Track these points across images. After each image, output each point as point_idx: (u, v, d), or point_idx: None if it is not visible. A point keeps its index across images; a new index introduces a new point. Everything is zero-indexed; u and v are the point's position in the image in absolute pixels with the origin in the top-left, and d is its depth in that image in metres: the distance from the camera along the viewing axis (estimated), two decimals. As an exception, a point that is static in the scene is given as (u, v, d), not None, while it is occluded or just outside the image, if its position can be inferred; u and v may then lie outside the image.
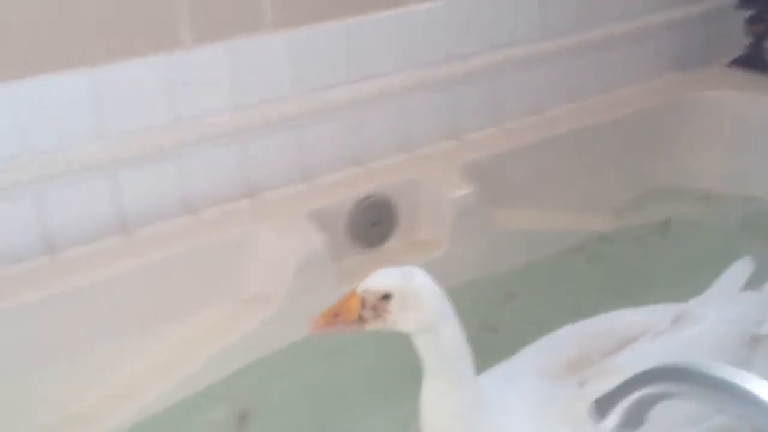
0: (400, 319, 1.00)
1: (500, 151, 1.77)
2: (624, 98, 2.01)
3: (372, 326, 1.00)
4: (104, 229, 1.44)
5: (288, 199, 1.56)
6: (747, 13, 2.11)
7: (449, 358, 1.02)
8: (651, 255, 1.75)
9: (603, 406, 0.77)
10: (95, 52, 1.38)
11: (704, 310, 1.16)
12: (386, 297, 0.99)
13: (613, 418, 0.80)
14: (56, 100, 1.35)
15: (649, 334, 1.13)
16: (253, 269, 1.46)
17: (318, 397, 1.38)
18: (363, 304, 1.00)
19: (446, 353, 1.02)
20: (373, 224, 1.59)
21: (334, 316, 1.00)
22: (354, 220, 1.57)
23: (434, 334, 1.01)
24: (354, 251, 1.59)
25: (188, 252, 1.42)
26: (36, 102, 1.34)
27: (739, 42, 2.15)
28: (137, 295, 1.37)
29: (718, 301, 1.19)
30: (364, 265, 1.56)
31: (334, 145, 1.66)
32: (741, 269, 1.26)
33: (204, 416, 1.35)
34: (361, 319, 1.00)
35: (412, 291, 1.00)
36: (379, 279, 1.01)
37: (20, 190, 1.35)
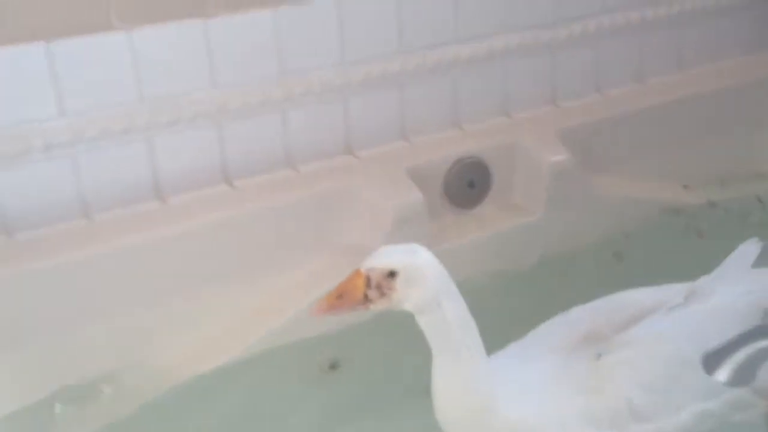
0: (405, 297, 0.99)
1: (599, 118, 1.75)
2: (729, 69, 1.96)
3: (377, 306, 0.99)
4: (210, 178, 1.50)
5: (386, 157, 1.59)
6: None
7: (455, 335, 1.01)
8: (747, 228, 1.72)
9: (711, 361, 0.77)
10: (209, 4, 1.43)
11: (715, 286, 1.16)
12: (392, 274, 0.98)
13: (724, 372, 0.80)
14: (170, 50, 1.41)
15: (663, 308, 1.13)
16: (350, 223, 1.50)
17: (405, 353, 1.41)
18: (368, 283, 0.98)
19: (451, 330, 1.00)
20: (469, 185, 1.60)
21: (338, 297, 0.98)
22: (450, 181, 1.59)
23: (438, 311, 0.99)
24: (448, 211, 1.61)
25: (288, 204, 1.46)
26: (151, 51, 1.39)
27: None
28: (239, 242, 1.43)
29: (729, 279, 1.19)
30: (458, 225, 1.60)
31: (433, 105, 1.68)
32: (748, 250, 1.25)
33: (296, 362, 1.41)
34: (366, 299, 0.98)
35: (417, 267, 0.99)
36: (384, 256, 1.00)
37: (133, 137, 1.41)
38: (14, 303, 1.27)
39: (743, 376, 0.84)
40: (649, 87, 1.88)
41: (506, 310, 1.46)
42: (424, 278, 0.98)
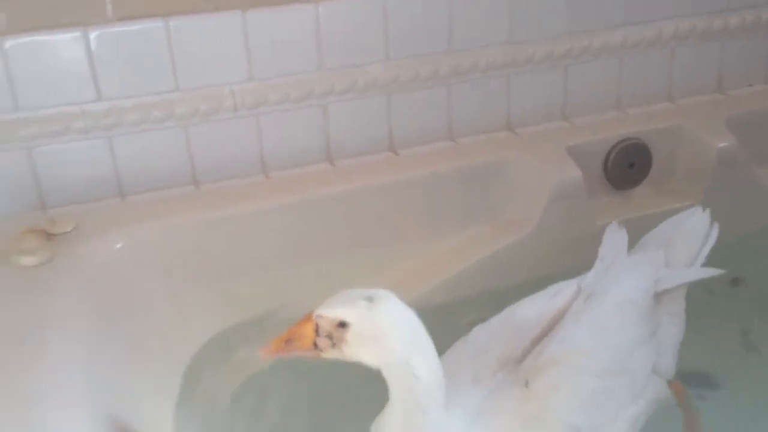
0: (357, 352, 0.90)
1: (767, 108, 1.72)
2: None
3: (328, 355, 0.90)
4: (377, 146, 1.59)
5: (547, 134, 1.63)
6: None
7: (424, 390, 0.92)
8: None
9: None
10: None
11: (606, 283, 1.13)
12: (342, 325, 0.89)
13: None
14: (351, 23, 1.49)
15: (568, 317, 1.08)
16: (510, 195, 1.54)
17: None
18: (317, 330, 0.90)
19: (421, 385, 0.91)
20: (629, 166, 1.61)
21: (287, 341, 0.90)
22: (610, 161, 1.60)
23: (406, 367, 0.90)
24: (607, 191, 1.62)
25: (447, 174, 1.52)
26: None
27: None
28: (398, 208, 1.50)
29: (615, 271, 1.16)
30: (615, 206, 1.61)
31: (597, 87, 1.69)
32: (615, 235, 1.24)
33: (455, 320, 1.45)
34: (316, 347, 0.90)
35: (373, 323, 0.89)
36: (336, 304, 0.90)
37: (244, 113, 1.49)
38: (199, 246, 1.38)
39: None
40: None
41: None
42: (383, 336, 0.89)
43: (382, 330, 0.89)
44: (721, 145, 1.59)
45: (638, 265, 1.18)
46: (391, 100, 1.57)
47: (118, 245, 1.30)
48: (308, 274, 1.44)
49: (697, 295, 1.48)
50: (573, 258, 1.51)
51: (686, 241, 1.24)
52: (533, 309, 1.12)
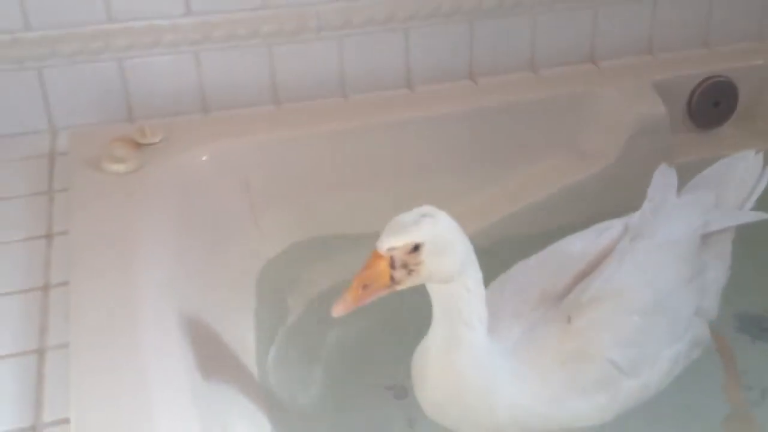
0: (435, 269, 0.90)
1: None
2: None
3: (405, 285, 0.90)
4: (457, 74, 1.58)
5: (632, 69, 1.60)
6: None
7: (473, 306, 0.94)
8: None
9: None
10: None
11: (653, 223, 1.13)
12: (416, 248, 0.89)
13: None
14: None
15: (613, 256, 1.08)
16: (591, 127, 1.53)
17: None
18: (392, 263, 0.89)
19: (471, 301, 0.93)
20: (714, 105, 1.58)
21: (364, 288, 0.89)
22: (695, 98, 1.57)
23: (460, 280, 0.92)
24: (689, 129, 1.60)
25: (531, 103, 1.51)
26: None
27: None
28: (481, 134, 1.50)
29: (663, 213, 1.15)
30: (698, 144, 1.59)
31: (684, 23, 1.65)
32: (665, 177, 1.23)
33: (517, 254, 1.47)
34: (393, 281, 0.90)
35: (442, 235, 0.90)
36: (402, 231, 0.89)
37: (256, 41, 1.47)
38: (277, 164, 1.41)
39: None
40: None
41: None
42: (452, 245, 0.91)
43: (450, 239, 0.90)
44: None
45: (687, 207, 1.18)
46: (474, 27, 1.56)
47: (204, 158, 1.33)
48: (381, 197, 1.45)
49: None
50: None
51: (737, 183, 1.23)
52: (578, 246, 1.12)
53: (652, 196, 1.19)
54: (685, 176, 1.54)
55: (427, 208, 0.91)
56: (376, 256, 0.89)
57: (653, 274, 1.08)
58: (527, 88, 1.55)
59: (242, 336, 1.19)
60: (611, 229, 1.14)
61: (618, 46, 1.64)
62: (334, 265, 1.37)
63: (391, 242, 0.88)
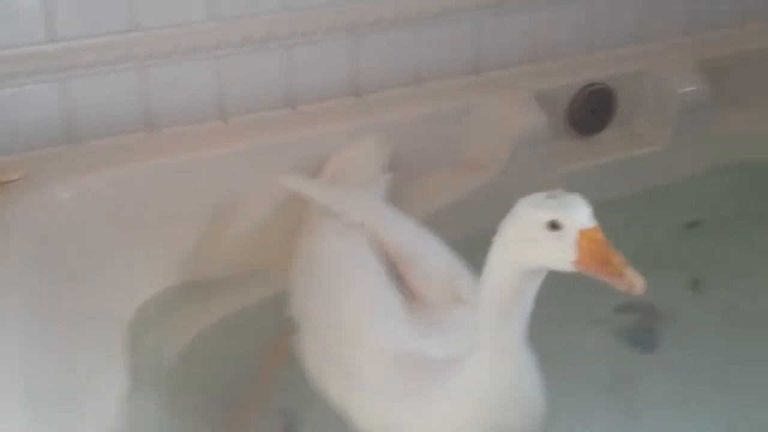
0: None
1: (740, 51, 1.71)
2: None
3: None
4: (339, 91, 1.55)
5: (514, 78, 1.60)
6: None
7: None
8: None
9: None
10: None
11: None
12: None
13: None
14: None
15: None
16: (474, 139, 1.53)
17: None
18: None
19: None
20: (593, 111, 1.60)
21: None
22: (575, 105, 1.59)
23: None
24: (570, 136, 1.61)
25: (412, 118, 1.50)
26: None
27: None
28: (370, 151, 1.46)
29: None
30: (579, 150, 1.61)
31: (566, 30, 1.67)
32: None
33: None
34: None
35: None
36: (572, 207, 0.85)
37: (127, 65, 1.41)
38: (151, 195, 1.35)
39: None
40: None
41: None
42: None
43: None
44: (685, 90, 1.58)
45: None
46: (356, 42, 1.53)
47: (65, 195, 1.27)
48: (266, 228, 1.41)
49: (654, 238, 1.50)
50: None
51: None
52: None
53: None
54: (571, 182, 1.57)
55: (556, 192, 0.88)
56: (600, 233, 0.84)
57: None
58: (413, 102, 1.54)
59: (108, 383, 1.12)
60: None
61: (501, 56, 1.64)
62: (211, 307, 1.32)
63: (590, 220, 0.84)
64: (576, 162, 1.56)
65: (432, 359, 0.99)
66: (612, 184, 1.55)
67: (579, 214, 0.84)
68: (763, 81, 1.72)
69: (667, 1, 1.71)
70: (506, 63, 1.64)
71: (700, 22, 1.75)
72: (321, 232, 1.24)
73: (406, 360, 1.00)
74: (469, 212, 1.48)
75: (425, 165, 1.52)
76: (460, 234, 1.45)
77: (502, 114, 1.51)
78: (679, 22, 1.74)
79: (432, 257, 1.18)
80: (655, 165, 1.60)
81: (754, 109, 1.71)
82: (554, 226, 0.83)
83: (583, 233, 0.82)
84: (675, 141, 1.59)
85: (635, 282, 0.80)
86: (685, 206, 1.58)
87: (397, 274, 1.17)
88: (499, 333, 0.89)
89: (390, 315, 1.08)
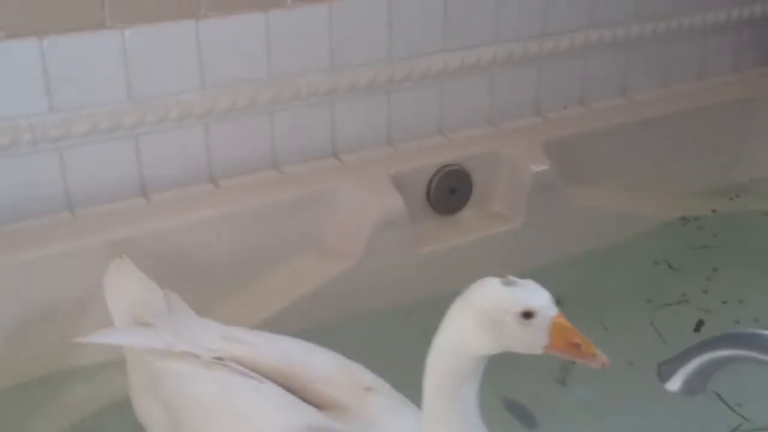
0: None
1: (584, 131, 1.78)
2: (713, 86, 2.00)
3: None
4: (195, 179, 1.52)
5: (372, 162, 1.61)
6: None
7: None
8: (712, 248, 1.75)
9: (666, 371, 0.80)
10: (201, 6, 1.45)
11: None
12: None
13: (676, 382, 0.82)
14: (162, 50, 1.43)
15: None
16: (334, 224, 1.52)
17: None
18: None
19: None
20: (450, 192, 1.63)
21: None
22: (432, 187, 1.61)
23: None
24: (430, 216, 1.63)
25: (271, 204, 1.48)
26: (142, 50, 1.42)
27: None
28: (225, 240, 1.44)
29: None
30: (439, 231, 1.62)
31: (420, 113, 1.70)
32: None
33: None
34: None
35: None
36: (527, 293, 0.88)
37: (121, 134, 1.43)
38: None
39: (694, 386, 0.86)
40: (634, 102, 1.91)
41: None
42: None
43: None
44: (536, 169, 1.64)
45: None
46: (209, 130, 1.51)
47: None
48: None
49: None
50: (398, 289, 1.53)
51: None
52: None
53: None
54: (433, 263, 1.59)
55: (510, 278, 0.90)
56: (562, 316, 0.87)
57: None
58: (271, 188, 1.52)
59: None
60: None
61: (359, 139, 1.66)
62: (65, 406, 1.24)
63: (552, 307, 0.87)
64: (437, 242, 1.58)
65: None
66: (473, 263, 1.57)
67: (546, 302, 0.87)
68: (603, 159, 1.80)
69: (515, 84, 1.79)
70: (363, 146, 1.66)
71: (546, 104, 1.84)
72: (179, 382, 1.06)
73: None
74: (332, 298, 1.47)
75: (286, 251, 1.50)
76: (325, 320, 1.45)
77: (359, 198, 1.51)
78: (528, 104, 1.82)
79: (317, 360, 1.08)
80: (513, 242, 1.63)
81: (600, 187, 1.79)
82: (528, 315, 0.85)
83: (555, 320, 0.86)
84: (530, 218, 1.63)
85: (604, 359, 0.86)
86: (546, 284, 1.61)
87: (291, 389, 1.04)
88: (451, 416, 0.90)
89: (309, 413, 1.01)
